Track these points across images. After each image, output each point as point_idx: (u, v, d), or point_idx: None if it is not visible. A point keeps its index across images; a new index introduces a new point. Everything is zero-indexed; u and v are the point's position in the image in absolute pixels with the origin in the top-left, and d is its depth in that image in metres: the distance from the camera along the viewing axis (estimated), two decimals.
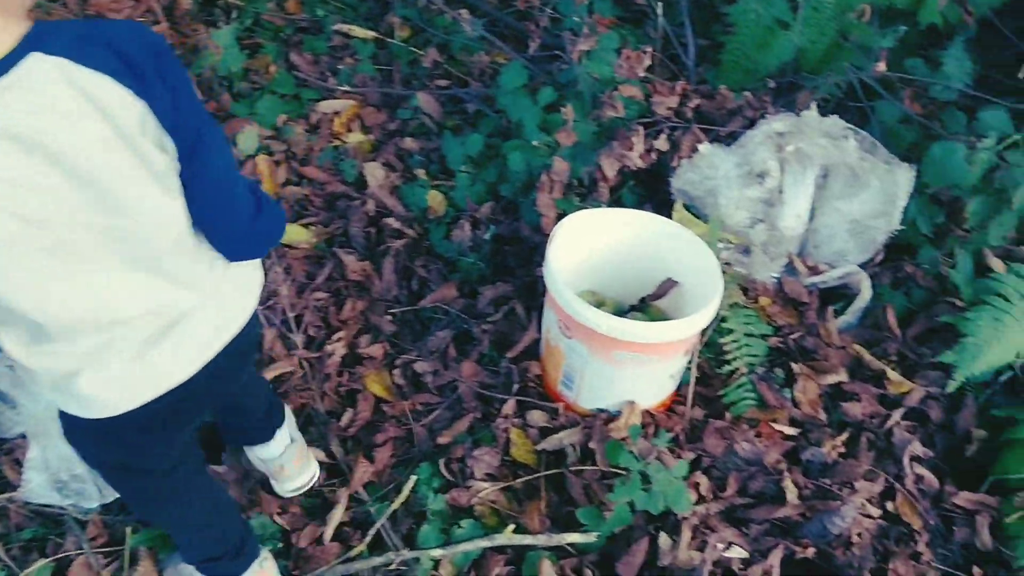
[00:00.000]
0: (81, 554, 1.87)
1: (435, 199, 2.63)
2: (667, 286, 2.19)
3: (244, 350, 1.45)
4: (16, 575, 1.85)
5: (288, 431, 1.95)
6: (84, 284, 1.16)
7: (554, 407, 2.15)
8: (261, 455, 1.95)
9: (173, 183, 1.17)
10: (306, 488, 1.99)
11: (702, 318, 1.94)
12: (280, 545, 1.93)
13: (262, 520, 1.95)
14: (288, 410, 1.98)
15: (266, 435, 1.90)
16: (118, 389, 1.28)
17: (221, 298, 1.35)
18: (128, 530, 1.88)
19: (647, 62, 2.39)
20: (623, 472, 1.95)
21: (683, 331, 1.94)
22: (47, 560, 1.86)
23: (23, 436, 2.07)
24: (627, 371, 2.01)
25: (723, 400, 2.16)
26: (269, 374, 2.17)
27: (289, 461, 1.94)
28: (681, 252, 2.16)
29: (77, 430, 1.41)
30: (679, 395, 2.21)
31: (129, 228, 1.14)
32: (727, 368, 2.18)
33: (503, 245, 2.54)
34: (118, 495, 1.95)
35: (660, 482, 1.83)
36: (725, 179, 2.39)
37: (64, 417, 1.37)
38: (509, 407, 2.11)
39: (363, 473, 2.03)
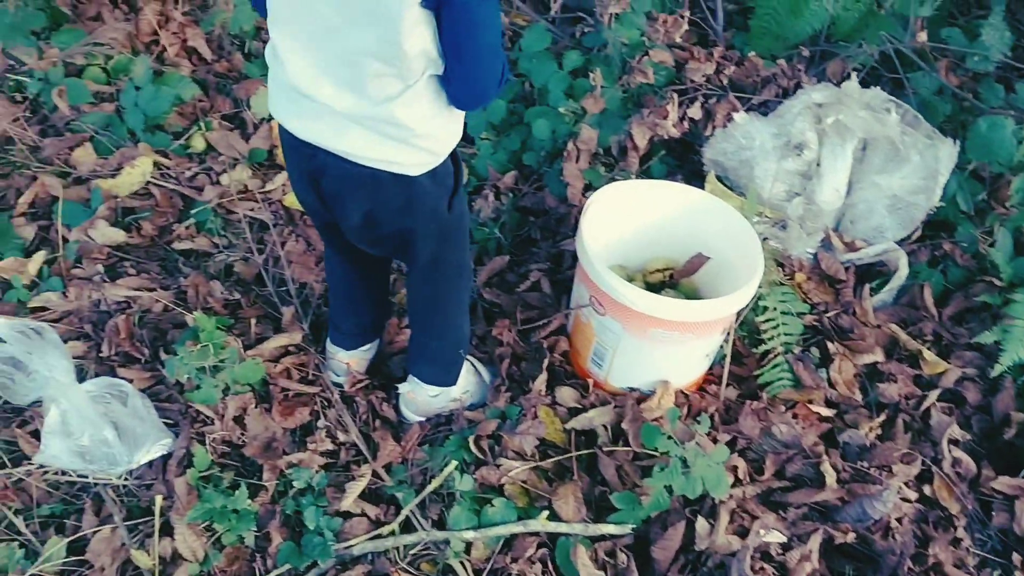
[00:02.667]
0: (102, 529, 1.81)
1: None
2: (698, 261, 2.13)
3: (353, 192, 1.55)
4: (37, 551, 1.79)
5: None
6: None
7: (584, 385, 2.09)
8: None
9: None
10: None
11: (743, 296, 1.88)
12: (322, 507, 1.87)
13: (303, 472, 1.90)
14: None
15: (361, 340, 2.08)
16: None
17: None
18: (159, 499, 1.81)
19: (684, 27, 2.31)
20: (655, 454, 1.90)
21: (723, 310, 1.88)
22: (65, 539, 1.80)
23: (38, 403, 2.00)
24: (662, 350, 1.95)
25: (758, 380, 2.11)
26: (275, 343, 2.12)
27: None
28: (717, 226, 2.09)
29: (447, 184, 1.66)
30: (711, 374, 2.15)
31: None
32: (762, 348, 2.12)
33: (527, 216, 2.46)
34: (154, 456, 1.93)
35: (699, 466, 1.78)
36: (761, 150, 2.31)
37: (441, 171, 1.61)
38: (540, 384, 2.05)
39: (389, 452, 1.97)
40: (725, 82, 2.42)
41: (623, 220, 2.12)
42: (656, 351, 1.96)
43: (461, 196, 1.67)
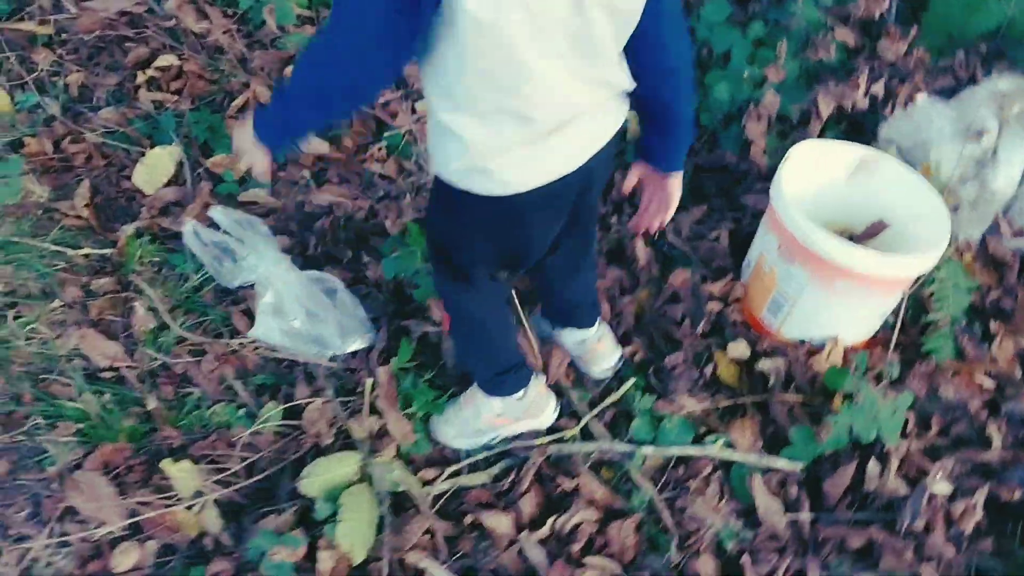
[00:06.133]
0: (314, 400, 1.95)
1: (634, 121, 2.66)
2: (879, 226, 2.22)
3: (596, 175, 1.54)
4: (254, 413, 1.94)
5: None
6: (541, 73, 1.26)
7: (755, 333, 2.19)
8: (578, 338, 2.07)
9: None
10: (613, 369, 2.10)
11: (933, 257, 1.97)
12: None
13: None
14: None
15: (589, 321, 2.05)
16: (519, 172, 1.39)
17: (604, 111, 1.44)
18: (369, 382, 1.96)
19: (886, 3, 2.39)
20: (821, 401, 2.01)
21: (916, 266, 1.97)
22: (280, 405, 1.95)
23: (245, 287, 2.15)
24: (845, 302, 2.04)
25: (922, 348, 2.19)
26: None
27: (600, 342, 2.07)
28: (900, 195, 2.17)
29: (440, 201, 1.55)
30: (874, 338, 2.24)
31: (588, 30, 1.26)
32: (929, 317, 2.21)
33: (700, 173, 2.57)
34: (359, 347, 2.08)
35: (882, 412, 1.88)
36: (939, 133, 2.39)
37: (437, 186, 1.49)
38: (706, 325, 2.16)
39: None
40: (911, 64, 2.49)
41: (812, 178, 2.21)
42: (837, 304, 2.05)
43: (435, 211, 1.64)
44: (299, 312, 2.06)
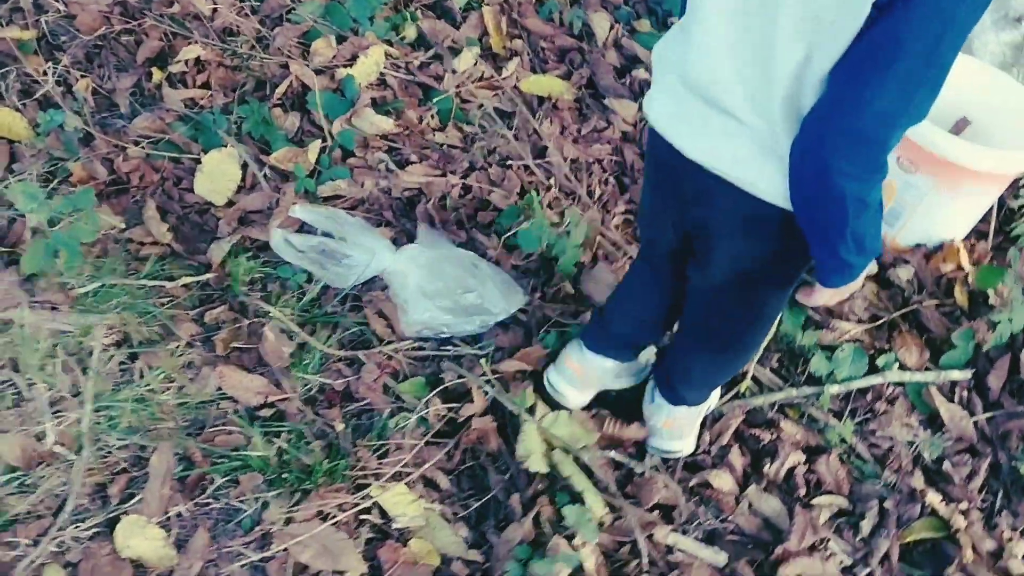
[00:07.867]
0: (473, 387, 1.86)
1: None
2: (962, 124, 2.28)
3: (715, 201, 1.29)
4: (425, 417, 1.82)
5: None
6: (710, 27, 1.12)
7: None
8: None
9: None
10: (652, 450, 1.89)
11: None
12: None
13: None
14: None
15: (659, 389, 1.84)
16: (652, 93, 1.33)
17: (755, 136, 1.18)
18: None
19: None
20: (951, 303, 2.09)
21: None
22: (447, 403, 1.84)
23: (359, 287, 2.00)
24: (963, 205, 2.12)
25: (1010, 234, 2.30)
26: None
27: (648, 412, 1.88)
28: (980, 90, 2.24)
29: None
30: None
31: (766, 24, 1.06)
32: (1013, 203, 2.32)
33: None
34: (521, 305, 1.99)
35: None
36: (979, 24, 2.47)
37: None
38: None
39: None
40: None
41: None
42: (958, 206, 2.12)
43: None
44: (454, 283, 1.94)
